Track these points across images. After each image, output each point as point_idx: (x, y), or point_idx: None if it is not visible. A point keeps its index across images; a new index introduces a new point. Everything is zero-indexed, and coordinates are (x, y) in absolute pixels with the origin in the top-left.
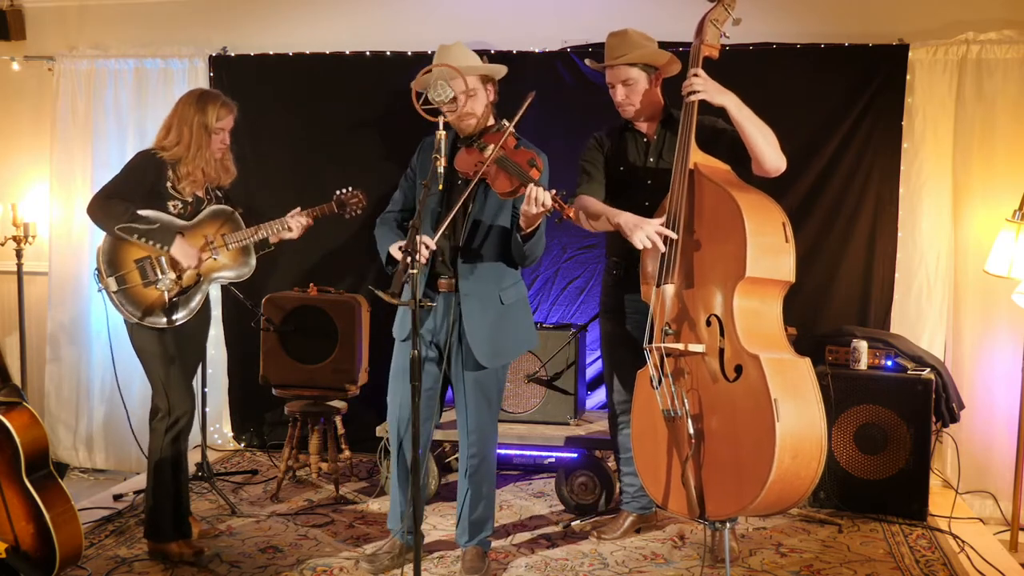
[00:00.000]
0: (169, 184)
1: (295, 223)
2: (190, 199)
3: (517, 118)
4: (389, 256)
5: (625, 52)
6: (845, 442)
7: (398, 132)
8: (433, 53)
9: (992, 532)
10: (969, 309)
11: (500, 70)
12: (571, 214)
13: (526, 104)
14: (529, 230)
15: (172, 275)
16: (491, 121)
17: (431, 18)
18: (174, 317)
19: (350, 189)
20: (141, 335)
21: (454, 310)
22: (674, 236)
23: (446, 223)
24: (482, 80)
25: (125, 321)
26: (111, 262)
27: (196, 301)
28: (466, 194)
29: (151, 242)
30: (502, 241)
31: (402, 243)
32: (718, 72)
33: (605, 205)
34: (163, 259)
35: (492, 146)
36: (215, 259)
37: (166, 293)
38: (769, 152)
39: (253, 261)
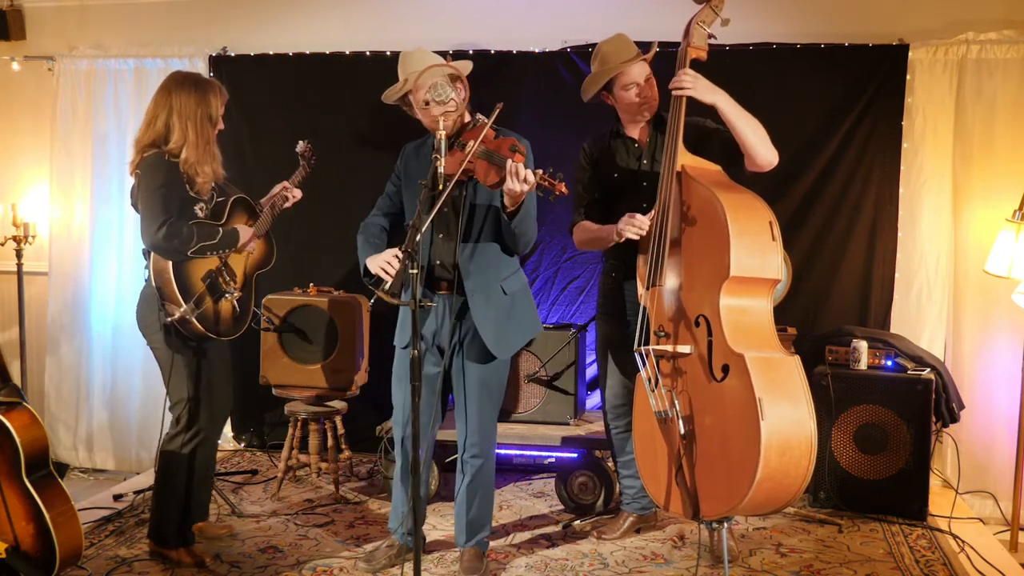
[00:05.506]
0: (188, 187)
1: (293, 192)
2: (207, 197)
3: (494, 116)
4: (366, 268)
5: (634, 51)
6: (845, 442)
7: (398, 132)
8: (433, 54)
9: (992, 532)
10: (969, 309)
11: (467, 66)
12: (563, 189)
13: (497, 109)
14: (513, 207)
15: (233, 282)
16: (467, 118)
17: (431, 18)
18: (238, 324)
19: (304, 142)
20: (183, 349)
21: (457, 308)
22: (645, 221)
23: (425, 224)
24: (451, 79)
25: (168, 334)
26: (185, 287)
27: (248, 302)
28: (446, 193)
29: (220, 252)
30: (497, 233)
31: (376, 255)
32: (718, 72)
33: (598, 230)
34: (223, 269)
35: (472, 142)
36: (250, 252)
37: (235, 301)
38: (760, 147)
39: (273, 244)
